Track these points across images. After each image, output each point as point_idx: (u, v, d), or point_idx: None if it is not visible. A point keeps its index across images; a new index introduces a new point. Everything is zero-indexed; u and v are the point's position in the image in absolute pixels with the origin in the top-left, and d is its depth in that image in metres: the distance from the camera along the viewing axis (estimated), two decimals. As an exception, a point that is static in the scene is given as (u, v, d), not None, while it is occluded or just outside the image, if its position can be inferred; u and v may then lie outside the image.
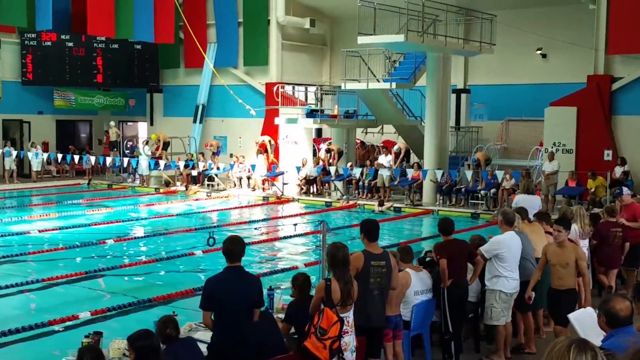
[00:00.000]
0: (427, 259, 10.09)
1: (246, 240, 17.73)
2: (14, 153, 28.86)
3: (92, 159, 28.80)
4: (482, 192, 23.56)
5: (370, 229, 7.88)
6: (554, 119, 24.98)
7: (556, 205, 22.31)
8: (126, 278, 14.33)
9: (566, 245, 9.17)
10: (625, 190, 14.42)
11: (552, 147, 24.63)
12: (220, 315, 6.83)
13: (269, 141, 28.62)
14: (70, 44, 32.37)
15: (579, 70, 25.78)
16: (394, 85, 25.67)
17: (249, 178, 28.02)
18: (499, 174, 22.68)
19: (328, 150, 26.84)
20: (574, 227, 11.41)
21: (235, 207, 24.68)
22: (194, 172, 28.47)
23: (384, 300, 7.84)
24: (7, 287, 12.77)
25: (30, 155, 29.36)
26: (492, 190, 23.30)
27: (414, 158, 27.91)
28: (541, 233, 10.44)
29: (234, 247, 6.95)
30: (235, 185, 28.43)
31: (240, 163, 28.04)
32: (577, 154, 24.73)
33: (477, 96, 29.72)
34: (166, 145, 30.41)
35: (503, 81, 28.91)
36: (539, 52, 27.99)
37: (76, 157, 28.71)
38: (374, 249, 7.73)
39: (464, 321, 9.47)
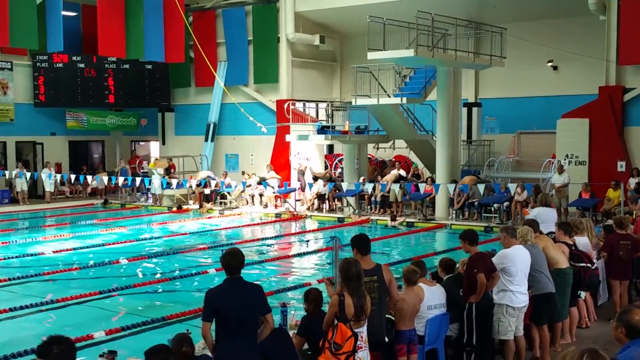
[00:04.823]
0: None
1: (259, 258, 17.73)
2: (28, 175, 28.96)
3: (105, 179, 28.87)
4: (495, 205, 23.46)
5: (361, 244, 7.89)
6: (566, 131, 24.89)
7: (569, 217, 22.19)
8: (140, 297, 14.32)
9: None
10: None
11: (564, 159, 24.52)
12: (224, 326, 6.69)
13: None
14: (82, 65, 32.58)
15: (590, 82, 25.68)
16: (404, 100, 25.64)
17: (261, 195, 28.04)
18: (512, 187, 22.57)
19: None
20: (585, 239, 11.32)
21: (248, 225, 24.67)
22: (207, 191, 28.50)
23: (382, 314, 7.82)
24: (22, 307, 12.83)
25: (43, 176, 29.48)
26: (505, 204, 23.21)
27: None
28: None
29: (231, 260, 6.84)
30: (247, 202, 28.46)
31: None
32: (590, 166, 24.60)
33: (488, 109, 29.70)
34: (168, 170, 30.36)
35: (514, 94, 28.89)
36: (549, 64, 27.99)
37: (89, 178, 28.77)
38: (366, 264, 7.69)
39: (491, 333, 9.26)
